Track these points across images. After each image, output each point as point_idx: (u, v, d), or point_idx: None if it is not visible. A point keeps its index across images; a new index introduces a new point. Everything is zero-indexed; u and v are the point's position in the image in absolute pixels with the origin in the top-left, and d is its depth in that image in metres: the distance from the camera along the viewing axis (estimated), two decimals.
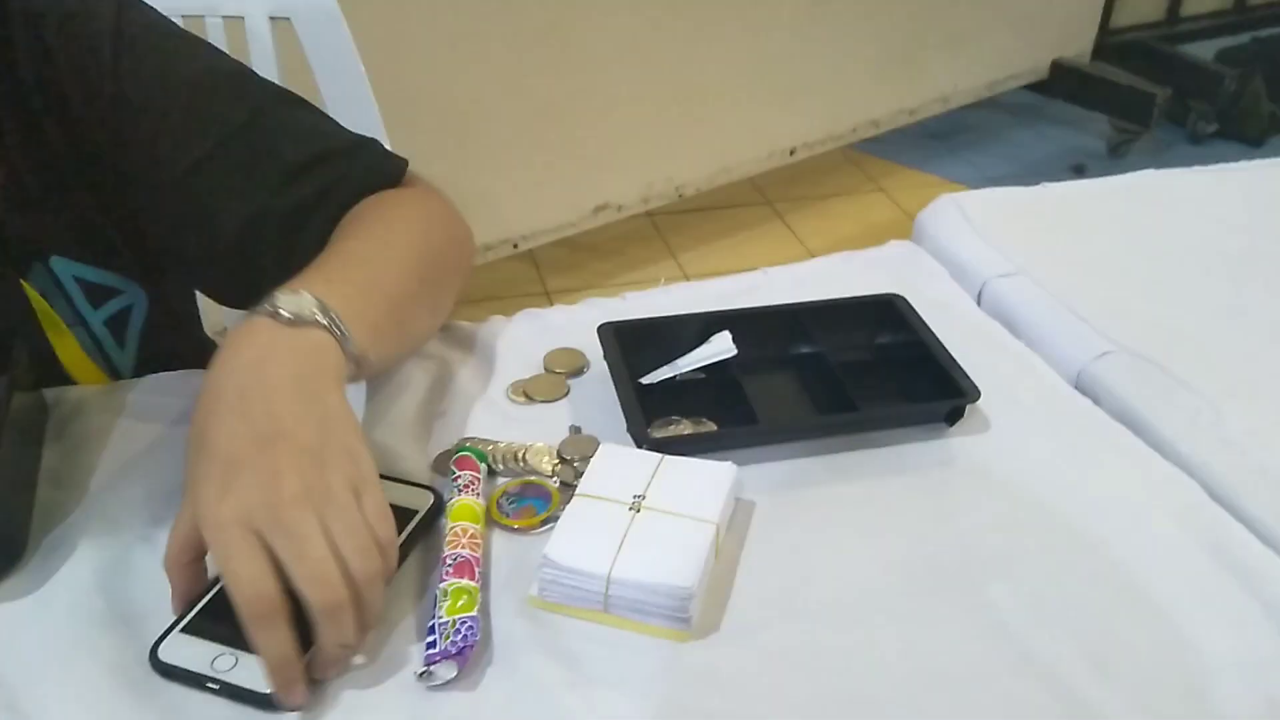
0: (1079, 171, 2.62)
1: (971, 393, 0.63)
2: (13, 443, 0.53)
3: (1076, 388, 0.68)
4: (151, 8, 0.64)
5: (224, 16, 0.91)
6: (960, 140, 2.78)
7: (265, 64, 0.92)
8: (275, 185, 0.62)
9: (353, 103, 0.95)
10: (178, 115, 0.61)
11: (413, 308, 0.62)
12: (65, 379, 0.66)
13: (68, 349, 0.65)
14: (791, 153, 2.32)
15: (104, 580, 0.52)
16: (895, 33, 2.35)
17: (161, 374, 0.66)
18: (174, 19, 0.88)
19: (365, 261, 0.59)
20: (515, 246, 2.02)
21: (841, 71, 2.30)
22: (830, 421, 0.64)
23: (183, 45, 0.64)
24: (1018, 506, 0.59)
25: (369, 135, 0.69)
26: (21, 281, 0.62)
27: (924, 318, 0.69)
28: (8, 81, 0.58)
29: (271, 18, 0.91)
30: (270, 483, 0.45)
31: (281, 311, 0.51)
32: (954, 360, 0.65)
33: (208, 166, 0.61)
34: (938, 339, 0.67)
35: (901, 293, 0.72)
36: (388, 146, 0.97)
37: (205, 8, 0.91)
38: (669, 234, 2.33)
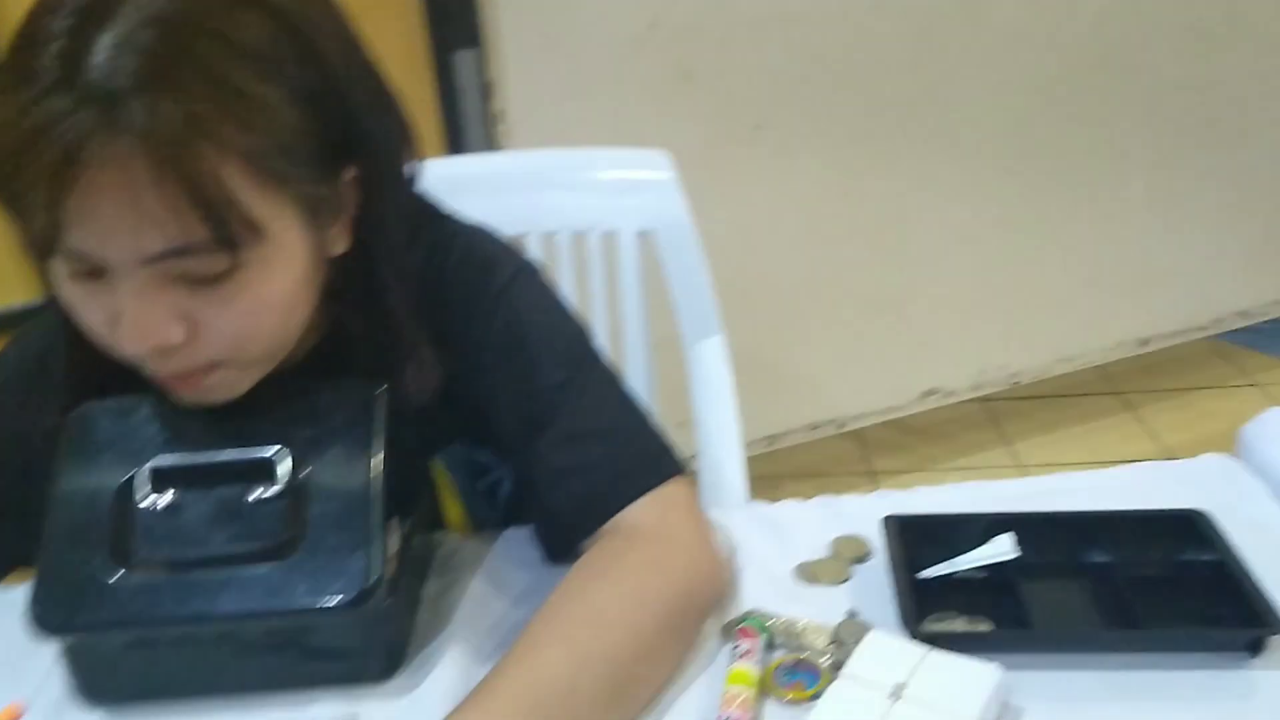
0: None
1: (1277, 624, 0.59)
2: (408, 572, 0.68)
3: None
4: (536, 282, 0.76)
5: (603, 232, 1.10)
6: None
7: (630, 268, 1.09)
8: (548, 441, 0.70)
9: (698, 301, 1.09)
10: (523, 360, 0.72)
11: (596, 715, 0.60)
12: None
13: (453, 510, 0.82)
14: (1144, 343, 2.19)
15: (458, 693, 0.63)
16: (1267, 216, 2.18)
17: (520, 528, 0.80)
18: (565, 233, 1.10)
19: (547, 690, 0.58)
20: (842, 426, 2.08)
21: (1204, 258, 2.17)
22: (1115, 637, 0.63)
23: (546, 311, 0.76)
24: None
25: (658, 435, 0.73)
26: (431, 461, 0.80)
27: (1231, 538, 0.67)
28: (428, 319, 0.70)
29: (639, 232, 1.09)
30: None
31: None
32: (1260, 587, 0.62)
33: (529, 405, 0.71)
34: (1242, 562, 0.64)
35: (1212, 509, 0.70)
36: (718, 340, 1.11)
37: (589, 225, 1.11)
38: (1004, 420, 2.27)
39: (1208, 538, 0.67)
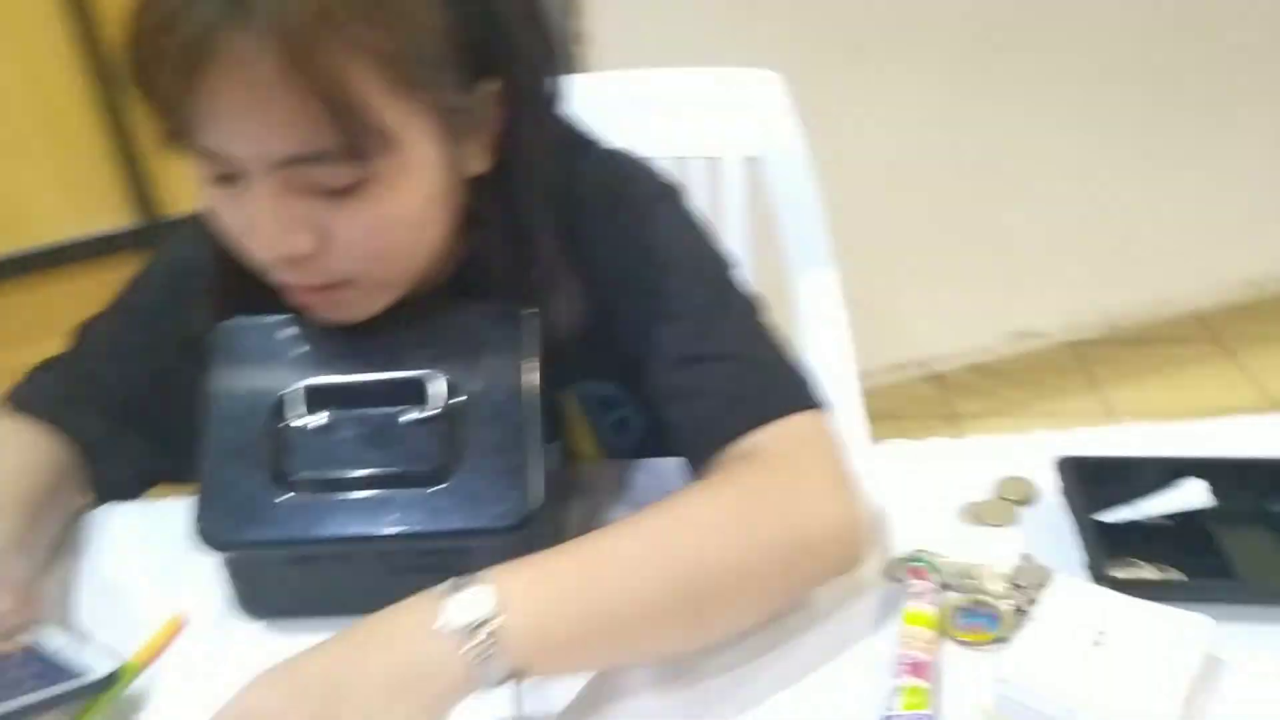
0: None
1: None
2: (556, 497, 0.66)
3: None
4: (676, 206, 0.72)
5: (706, 158, 1.05)
6: None
7: (735, 198, 1.04)
8: (674, 364, 0.66)
9: (808, 232, 1.04)
10: (655, 283, 0.68)
11: (651, 626, 0.56)
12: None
13: (584, 441, 0.80)
14: (1250, 286, 2.11)
15: None
16: None
17: (653, 459, 0.77)
18: (664, 160, 1.04)
19: (610, 562, 0.56)
20: (925, 367, 2.03)
21: None
22: None
23: (686, 235, 0.71)
24: None
25: (795, 367, 0.68)
26: (562, 392, 0.77)
27: None
28: (565, 244, 0.68)
29: (746, 159, 1.03)
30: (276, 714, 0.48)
31: (444, 613, 0.51)
32: None
33: (656, 329, 0.67)
34: None
35: None
36: (831, 273, 1.07)
37: (693, 151, 1.05)
38: (1094, 365, 2.20)
39: None
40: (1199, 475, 0.65)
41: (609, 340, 0.71)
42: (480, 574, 0.53)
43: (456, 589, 0.52)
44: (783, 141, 1.03)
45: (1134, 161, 1.94)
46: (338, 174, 0.55)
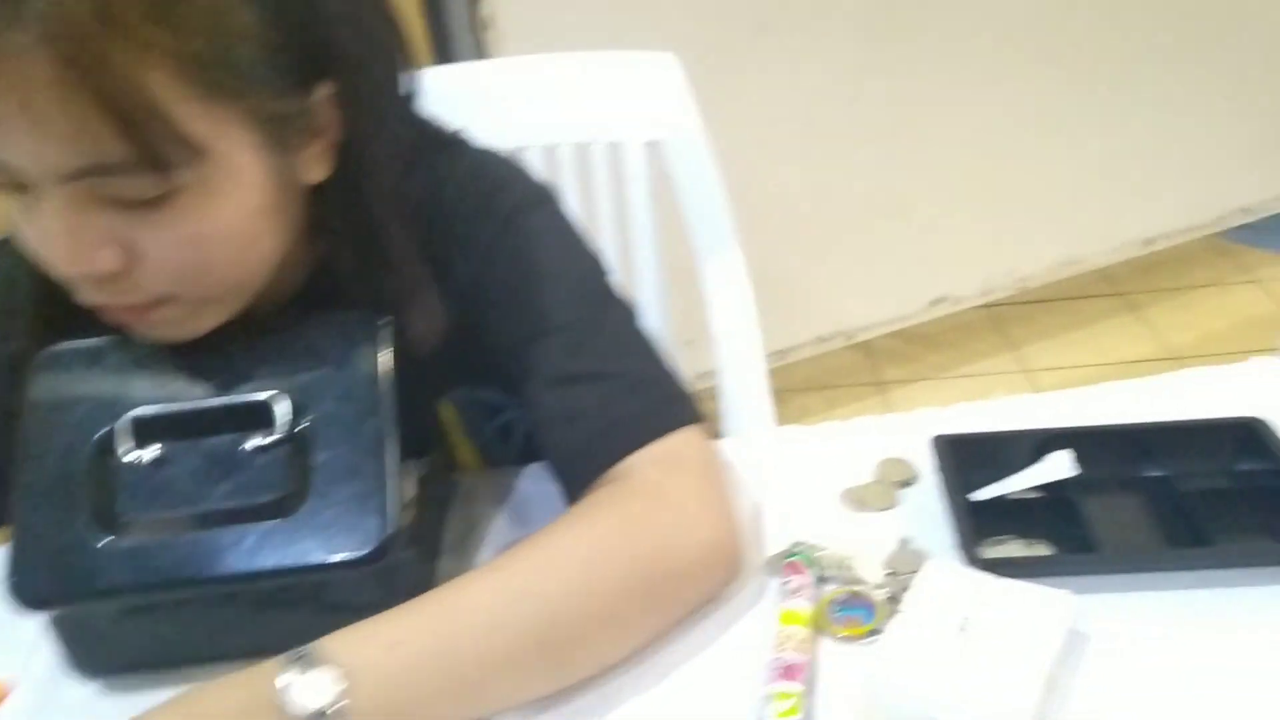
0: None
1: None
2: (428, 518, 0.65)
3: None
4: (548, 212, 0.70)
5: (608, 143, 1.04)
6: None
7: (638, 183, 1.03)
8: (548, 383, 0.64)
9: (711, 215, 1.04)
10: (525, 297, 0.66)
11: (510, 681, 0.55)
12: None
13: (465, 450, 0.78)
14: (1148, 243, 2.16)
15: None
16: (1271, 111, 2.13)
17: (537, 464, 0.76)
18: (566, 146, 1.03)
19: (466, 621, 0.53)
20: (850, 338, 2.05)
21: (1209, 155, 2.13)
22: (1183, 555, 0.61)
23: (556, 245, 0.69)
24: None
25: (672, 381, 0.66)
26: (439, 401, 0.76)
27: None
28: (429, 252, 0.64)
29: (646, 143, 1.02)
30: None
31: (288, 699, 0.48)
32: None
33: (528, 347, 0.65)
34: None
35: (1265, 416, 0.67)
36: (736, 254, 1.06)
37: (593, 137, 1.04)
38: (1009, 326, 2.25)
39: (1269, 446, 0.64)
40: (1067, 446, 0.66)
41: (485, 348, 0.69)
42: (324, 647, 0.50)
43: (298, 668, 0.49)
44: (682, 125, 1.02)
45: (1036, 128, 1.97)
46: (138, 186, 0.50)
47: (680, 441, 0.63)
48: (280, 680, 0.49)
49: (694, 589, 0.60)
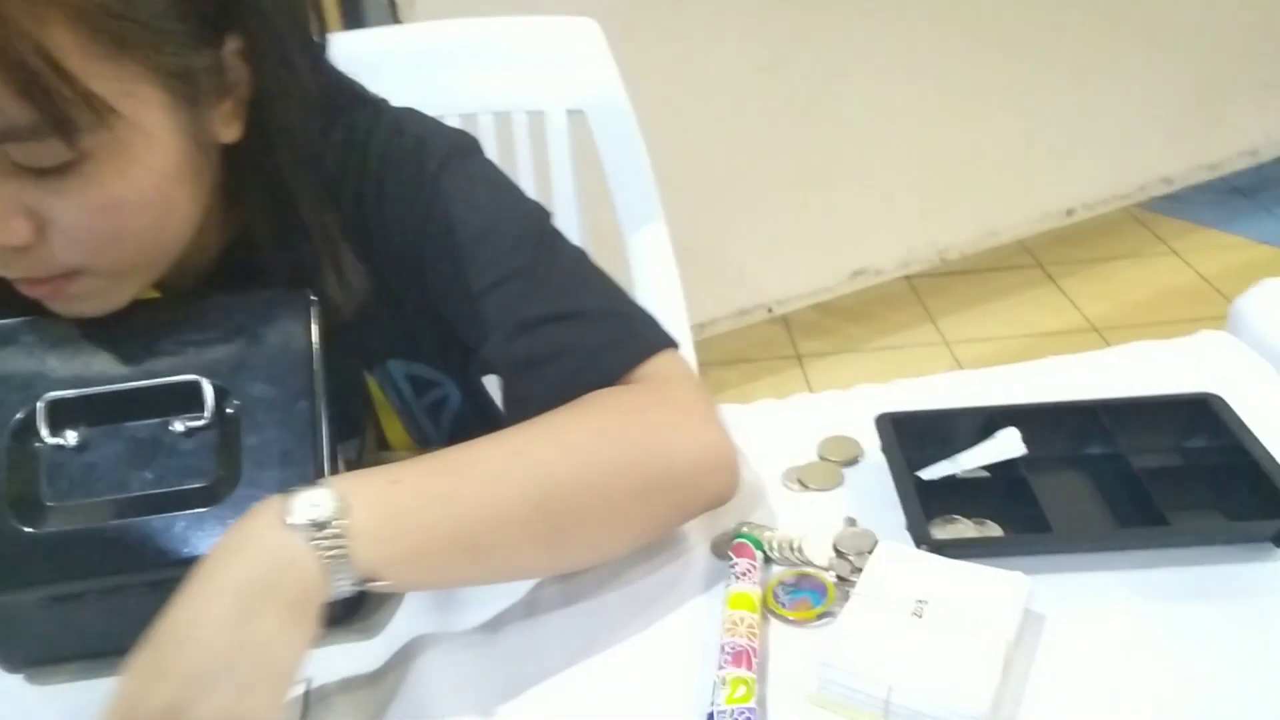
0: None
1: None
2: None
3: None
4: (477, 162, 0.67)
5: (528, 111, 0.99)
6: (1271, 196, 2.51)
7: (560, 152, 0.99)
8: (511, 333, 0.61)
9: (635, 185, 1.00)
10: (469, 251, 0.63)
11: (507, 540, 0.53)
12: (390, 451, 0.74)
13: (394, 429, 0.73)
14: (1069, 214, 2.19)
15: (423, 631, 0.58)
16: (1192, 82, 2.17)
17: None
18: (485, 115, 0.98)
19: (466, 471, 0.53)
20: (770, 311, 2.04)
21: (1127, 126, 2.16)
22: (1137, 534, 0.59)
23: (491, 193, 0.66)
24: None
25: (639, 310, 0.64)
26: (367, 377, 0.71)
27: (1245, 421, 0.63)
28: (352, 215, 0.63)
29: (568, 111, 0.97)
30: (138, 692, 0.44)
31: (290, 509, 0.48)
32: None
33: (482, 301, 0.63)
34: (1263, 447, 0.60)
35: (1217, 391, 0.66)
36: (660, 226, 1.03)
37: (513, 105, 0.99)
38: (928, 297, 2.26)
39: (1223, 422, 0.63)
40: (1013, 423, 0.64)
41: (417, 315, 0.65)
42: (328, 479, 0.50)
43: (291, 494, 0.48)
44: (604, 93, 0.98)
45: (954, 100, 1.97)
46: (43, 152, 0.47)
47: (665, 362, 0.61)
48: (288, 498, 0.48)
49: (694, 492, 0.59)
